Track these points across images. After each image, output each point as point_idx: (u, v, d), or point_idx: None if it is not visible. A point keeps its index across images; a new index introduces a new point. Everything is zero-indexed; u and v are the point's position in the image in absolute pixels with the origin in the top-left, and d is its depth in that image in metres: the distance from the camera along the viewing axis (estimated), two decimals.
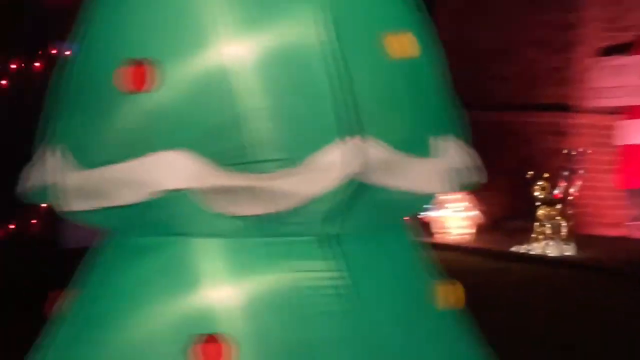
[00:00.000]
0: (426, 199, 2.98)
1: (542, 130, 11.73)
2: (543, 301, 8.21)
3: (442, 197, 2.62)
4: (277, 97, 2.65)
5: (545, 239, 10.26)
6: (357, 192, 2.65)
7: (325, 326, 2.69)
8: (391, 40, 2.78)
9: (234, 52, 2.66)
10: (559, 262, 9.94)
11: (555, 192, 10.37)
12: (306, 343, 2.68)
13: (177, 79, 2.67)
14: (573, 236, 10.26)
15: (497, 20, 12.00)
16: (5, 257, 7.66)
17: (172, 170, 2.63)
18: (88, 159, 2.75)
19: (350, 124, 2.63)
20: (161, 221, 2.74)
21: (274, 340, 2.68)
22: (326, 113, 2.64)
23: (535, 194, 10.36)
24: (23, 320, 6.80)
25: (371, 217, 2.81)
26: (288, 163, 2.61)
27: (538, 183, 10.36)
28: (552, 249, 10.18)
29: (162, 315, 2.74)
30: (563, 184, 10.42)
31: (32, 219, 7.55)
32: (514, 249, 10.35)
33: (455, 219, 11.14)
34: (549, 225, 10.26)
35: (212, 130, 2.64)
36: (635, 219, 11.38)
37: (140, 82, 2.65)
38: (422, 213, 8.77)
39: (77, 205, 2.78)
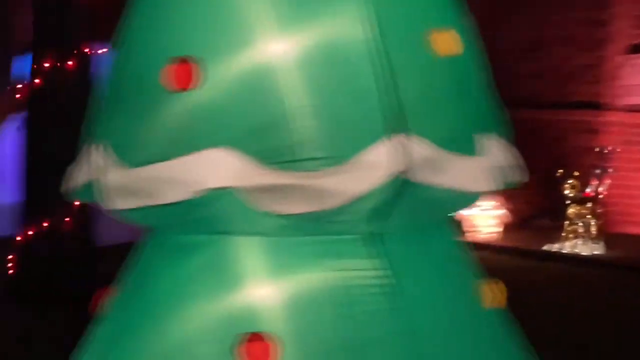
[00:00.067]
0: (470, 197, 2.96)
1: (573, 128, 11.64)
2: (574, 300, 8.17)
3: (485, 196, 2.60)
4: (322, 95, 2.62)
5: (575, 237, 10.20)
6: (402, 190, 2.63)
7: (371, 325, 2.68)
8: (436, 37, 2.76)
9: (277, 49, 2.64)
10: (589, 260, 9.88)
11: (587, 190, 10.30)
12: (352, 342, 2.67)
13: (221, 77, 2.65)
14: (602, 235, 10.20)
15: (528, 18, 11.94)
16: (38, 254, 7.70)
17: (216, 168, 2.61)
18: (132, 158, 2.75)
19: (396, 122, 2.61)
20: (205, 219, 2.72)
21: (319, 339, 2.67)
22: (372, 111, 2.62)
23: (566, 192, 10.28)
24: (60, 318, 6.88)
25: (415, 216, 2.79)
26: (333, 161, 2.59)
27: (568, 181, 10.29)
28: (582, 248, 10.12)
29: (205, 314, 2.73)
30: (594, 182, 10.35)
31: (66, 217, 7.57)
32: (545, 247, 10.29)
33: (484, 217, 11.09)
34: (581, 224, 10.19)
35: (257, 128, 2.62)
36: None
37: (185, 81, 2.64)
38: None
39: (121, 203, 2.77)
